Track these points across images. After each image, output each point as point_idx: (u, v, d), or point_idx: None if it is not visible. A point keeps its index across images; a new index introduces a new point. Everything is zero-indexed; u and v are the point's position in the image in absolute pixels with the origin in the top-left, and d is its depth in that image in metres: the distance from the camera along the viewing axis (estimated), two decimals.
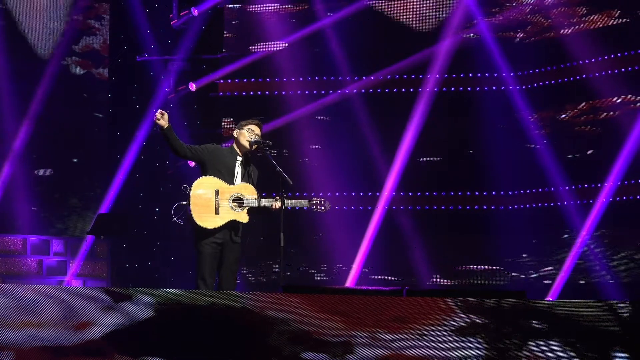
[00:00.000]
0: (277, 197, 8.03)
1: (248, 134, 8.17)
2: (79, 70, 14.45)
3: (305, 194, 13.62)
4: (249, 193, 8.03)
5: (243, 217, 7.99)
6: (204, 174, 8.08)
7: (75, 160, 14.27)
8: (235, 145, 8.22)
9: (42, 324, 5.78)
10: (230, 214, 7.95)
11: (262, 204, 8.01)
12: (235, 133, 8.25)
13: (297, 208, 8.26)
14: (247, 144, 8.13)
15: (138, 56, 14.08)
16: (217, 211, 7.92)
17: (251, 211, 8.02)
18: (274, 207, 8.03)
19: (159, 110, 7.96)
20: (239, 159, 8.16)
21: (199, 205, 7.90)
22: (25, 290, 5.91)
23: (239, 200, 7.99)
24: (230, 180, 8.04)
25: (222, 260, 8.01)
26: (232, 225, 7.98)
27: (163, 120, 7.92)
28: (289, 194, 8.24)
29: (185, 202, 7.91)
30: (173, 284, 13.37)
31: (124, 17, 14.16)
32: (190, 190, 7.91)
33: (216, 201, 7.92)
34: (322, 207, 8.31)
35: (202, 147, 8.17)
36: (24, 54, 13.94)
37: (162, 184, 14.08)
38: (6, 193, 13.56)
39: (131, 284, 13.12)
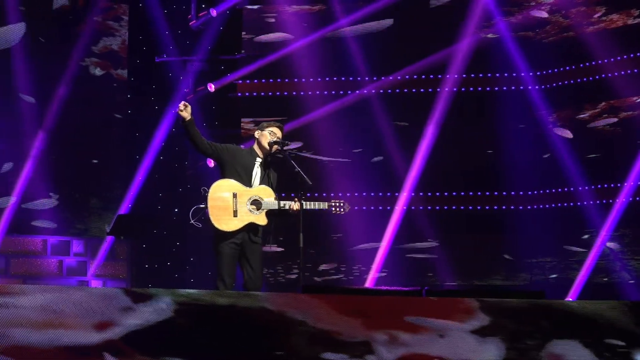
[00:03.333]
0: (296, 199, 8.02)
1: (270, 136, 8.18)
2: (98, 72, 14.49)
3: (324, 195, 13.61)
4: (267, 195, 8.03)
5: (261, 219, 8.00)
6: (222, 173, 8.10)
7: (95, 161, 14.31)
8: (256, 147, 8.23)
9: (62, 324, 5.81)
10: (249, 216, 7.96)
11: (280, 206, 8.01)
12: (256, 134, 8.26)
13: (315, 209, 8.23)
14: (268, 146, 8.14)
15: (157, 57, 14.12)
16: (235, 214, 7.93)
17: (270, 214, 8.03)
18: (292, 208, 8.03)
19: (182, 102, 7.99)
20: (259, 160, 8.16)
21: (217, 208, 7.91)
22: (46, 291, 5.94)
23: (257, 203, 7.99)
24: (247, 181, 8.04)
25: (246, 260, 8.01)
26: (250, 227, 7.99)
27: (186, 112, 7.96)
28: (308, 195, 8.23)
29: (203, 205, 7.93)
30: (192, 285, 13.39)
31: (142, 18, 14.18)
32: (208, 193, 7.92)
33: (234, 204, 7.93)
34: (341, 209, 8.29)
35: (222, 146, 8.19)
36: (43, 56, 13.98)
37: (181, 184, 14.10)
38: (26, 194, 13.61)
39: (151, 285, 13.15)
